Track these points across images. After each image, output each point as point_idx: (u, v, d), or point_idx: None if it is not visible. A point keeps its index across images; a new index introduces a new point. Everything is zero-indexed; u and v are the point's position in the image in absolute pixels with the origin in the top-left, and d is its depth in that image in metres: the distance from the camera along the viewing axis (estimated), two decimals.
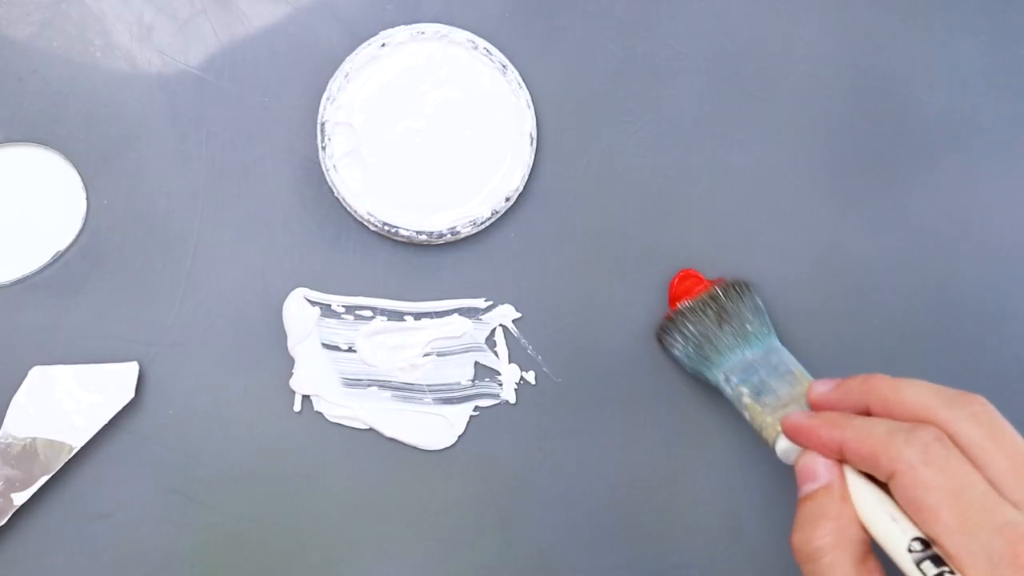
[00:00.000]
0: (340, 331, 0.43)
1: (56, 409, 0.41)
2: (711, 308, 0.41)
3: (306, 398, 0.43)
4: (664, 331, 0.43)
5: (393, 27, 0.43)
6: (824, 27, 0.46)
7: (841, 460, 0.34)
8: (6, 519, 0.40)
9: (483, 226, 0.43)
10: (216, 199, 0.43)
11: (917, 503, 0.30)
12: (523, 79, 0.44)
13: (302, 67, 0.43)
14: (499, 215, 0.43)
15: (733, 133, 0.45)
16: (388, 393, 0.43)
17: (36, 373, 0.41)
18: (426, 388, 0.43)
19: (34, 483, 0.40)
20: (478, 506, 0.43)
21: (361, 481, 0.43)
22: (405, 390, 0.43)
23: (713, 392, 0.44)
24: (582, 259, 0.44)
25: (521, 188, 0.43)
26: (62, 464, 0.40)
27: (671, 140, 0.45)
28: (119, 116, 0.43)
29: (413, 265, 0.43)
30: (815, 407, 0.37)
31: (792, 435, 0.36)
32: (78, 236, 0.42)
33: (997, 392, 0.45)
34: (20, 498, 0.40)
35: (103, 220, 0.42)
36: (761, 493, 0.43)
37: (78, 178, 0.42)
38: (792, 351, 0.43)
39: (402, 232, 0.42)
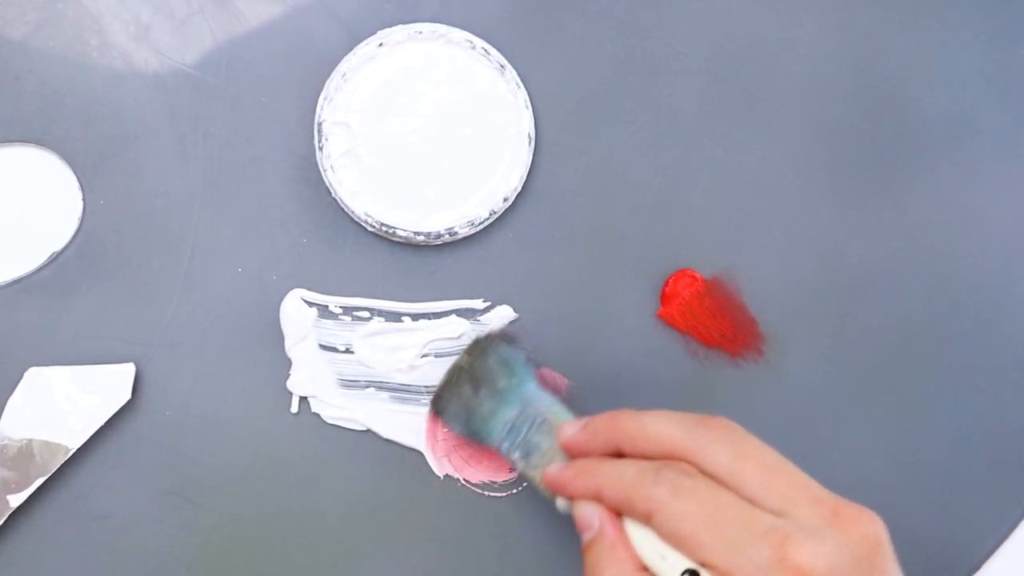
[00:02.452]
0: (337, 332, 0.43)
1: (52, 410, 0.40)
2: (463, 377, 0.40)
3: (303, 399, 0.43)
4: (437, 414, 0.41)
5: (391, 27, 0.43)
6: (824, 27, 0.45)
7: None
8: (2, 521, 0.40)
9: (481, 227, 0.43)
10: (213, 199, 0.43)
11: (677, 535, 0.31)
12: (521, 79, 0.43)
13: (299, 67, 0.43)
14: (497, 215, 0.43)
15: (732, 133, 0.45)
16: (386, 394, 0.43)
17: (32, 374, 0.41)
18: (424, 389, 0.43)
19: (30, 485, 0.40)
20: (476, 507, 0.43)
21: (358, 482, 0.42)
22: (403, 391, 0.43)
23: (712, 392, 0.44)
24: (580, 260, 0.44)
25: (519, 188, 0.43)
26: (58, 465, 0.40)
27: (670, 140, 0.45)
28: (116, 116, 0.42)
29: (411, 266, 0.43)
30: (567, 451, 0.37)
31: (552, 489, 0.36)
32: (74, 236, 0.42)
33: (997, 392, 0.45)
34: (16, 500, 0.40)
35: (100, 220, 0.42)
36: None
37: (74, 178, 0.42)
38: (792, 351, 0.43)
39: (400, 233, 0.42)
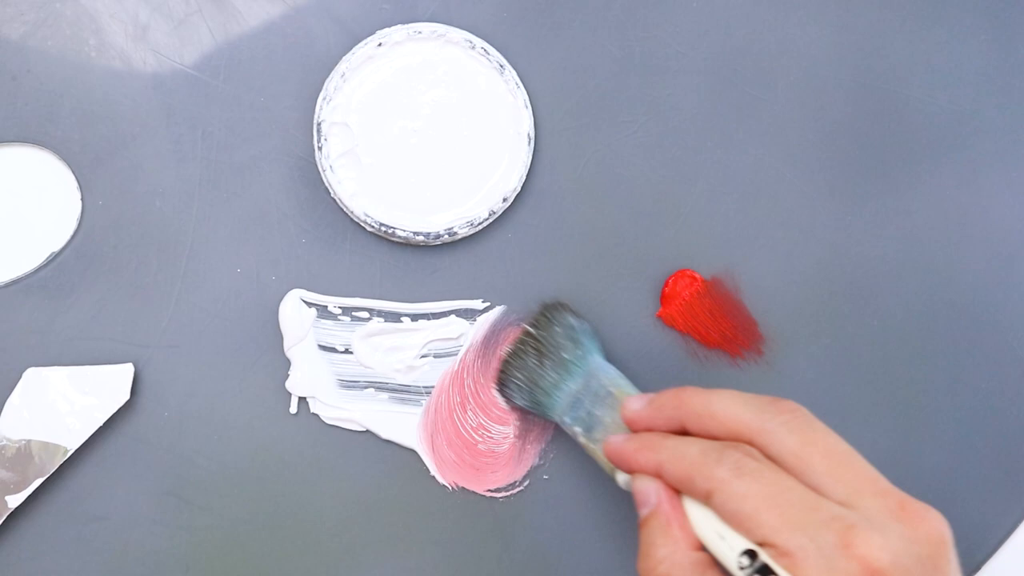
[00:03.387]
0: (336, 332, 0.43)
1: (50, 411, 0.40)
2: (530, 347, 0.40)
3: (302, 400, 0.42)
4: (501, 386, 0.41)
5: (390, 26, 0.43)
6: (824, 27, 0.45)
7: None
8: (0, 522, 0.40)
9: (480, 227, 0.43)
10: (211, 200, 0.43)
11: (737, 515, 0.30)
12: (521, 79, 0.43)
13: (298, 67, 0.43)
14: (496, 216, 0.43)
15: (732, 133, 0.45)
16: (385, 395, 0.43)
17: (30, 375, 0.41)
18: (423, 390, 0.43)
19: (28, 485, 0.40)
20: (475, 507, 0.43)
21: (357, 483, 0.42)
22: (402, 392, 0.43)
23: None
24: (580, 260, 0.44)
25: (519, 189, 0.43)
26: (57, 466, 0.40)
27: (670, 140, 0.45)
28: (114, 116, 0.42)
29: (410, 266, 0.43)
30: (631, 426, 0.36)
31: (613, 460, 0.36)
32: (73, 237, 0.42)
33: (997, 392, 0.45)
34: (14, 501, 0.40)
35: (98, 221, 0.42)
36: None
37: (73, 178, 0.42)
38: (791, 351, 0.43)
39: (399, 233, 0.42)
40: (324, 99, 0.42)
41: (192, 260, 0.42)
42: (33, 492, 0.40)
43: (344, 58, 0.42)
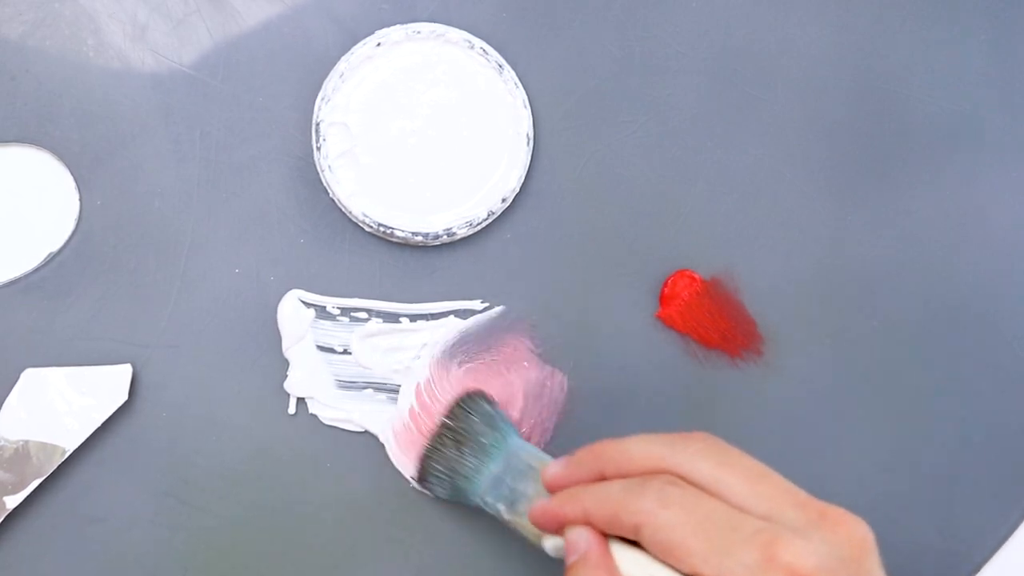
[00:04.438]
0: (335, 333, 0.42)
1: (49, 412, 0.40)
2: (447, 437, 0.40)
3: (301, 400, 0.42)
4: (421, 481, 0.41)
5: (389, 26, 0.43)
6: (824, 27, 0.45)
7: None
8: None
9: (479, 227, 0.43)
10: (210, 200, 0.43)
11: (666, 545, 0.30)
12: (520, 79, 0.43)
13: (297, 67, 0.43)
14: (495, 216, 0.43)
15: (732, 133, 0.45)
16: (383, 395, 0.43)
17: (28, 375, 0.41)
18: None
19: (26, 486, 0.40)
20: (474, 508, 0.43)
21: (356, 484, 0.42)
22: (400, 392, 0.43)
23: (712, 392, 0.44)
24: (579, 260, 0.44)
25: (517, 189, 0.43)
26: (55, 467, 0.40)
27: (669, 140, 0.44)
28: (113, 116, 0.42)
29: (409, 267, 0.43)
30: (552, 489, 0.36)
31: (541, 523, 0.36)
32: (71, 237, 0.42)
33: (997, 392, 0.45)
34: (12, 501, 0.40)
35: (96, 221, 0.42)
36: None
37: (71, 179, 0.42)
38: (791, 352, 0.43)
39: (397, 233, 0.42)
40: (323, 99, 0.42)
41: (191, 260, 0.42)
42: (31, 493, 0.40)
43: (343, 58, 0.42)
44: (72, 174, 0.42)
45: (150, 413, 0.42)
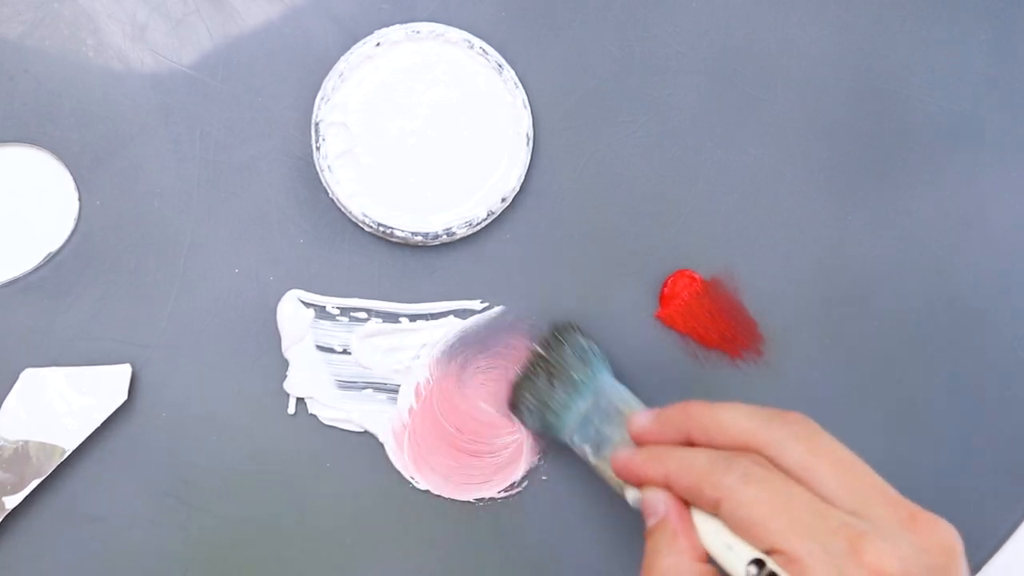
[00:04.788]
0: (335, 333, 0.42)
1: (48, 412, 0.40)
2: (540, 368, 0.40)
3: (300, 401, 0.42)
4: (514, 411, 0.41)
5: (388, 26, 0.43)
6: (824, 27, 0.45)
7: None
8: None
9: (479, 227, 0.43)
10: (210, 200, 0.43)
11: (746, 522, 0.30)
12: (519, 79, 0.43)
13: (296, 67, 0.43)
14: (495, 216, 0.43)
15: (732, 133, 0.45)
16: (383, 395, 0.43)
17: (28, 375, 0.41)
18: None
19: (26, 486, 0.40)
20: (474, 508, 0.43)
21: (355, 484, 0.42)
22: (400, 393, 0.43)
23: (711, 393, 0.44)
24: (579, 260, 0.44)
25: (517, 189, 0.43)
26: (54, 467, 0.40)
27: (669, 140, 0.44)
28: (112, 116, 0.42)
29: (408, 266, 0.43)
30: (637, 441, 0.36)
31: (621, 474, 0.36)
32: (70, 237, 0.42)
33: (997, 392, 0.45)
34: (12, 501, 0.40)
35: (96, 221, 0.42)
36: None
37: (70, 179, 0.42)
38: (791, 352, 0.43)
39: (397, 233, 0.42)
40: (322, 99, 0.42)
41: (190, 260, 0.42)
42: (30, 493, 0.40)
43: (342, 58, 0.42)
44: (71, 174, 0.42)
45: (150, 413, 0.42)
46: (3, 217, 0.42)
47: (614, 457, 0.36)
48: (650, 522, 0.33)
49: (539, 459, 0.43)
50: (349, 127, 0.42)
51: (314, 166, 0.43)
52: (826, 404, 0.44)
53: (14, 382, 0.41)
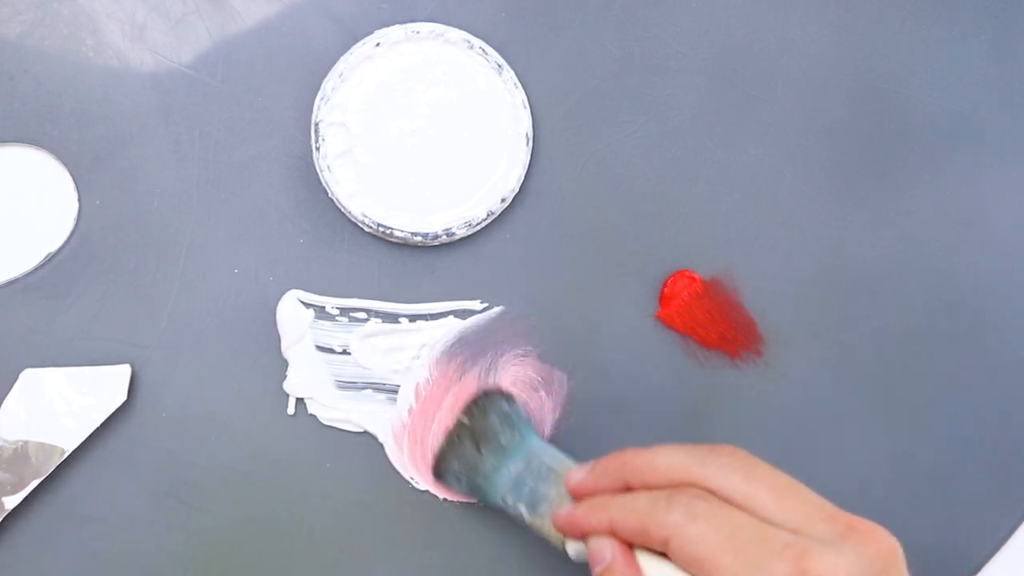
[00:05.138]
0: (334, 333, 0.42)
1: (48, 412, 0.40)
2: (464, 436, 0.40)
3: (300, 401, 0.42)
4: (438, 478, 0.41)
5: (388, 26, 0.43)
6: (824, 27, 0.45)
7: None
8: None
9: (478, 227, 0.43)
10: (210, 200, 0.43)
11: (696, 559, 0.30)
12: (519, 79, 0.43)
13: (296, 67, 0.43)
14: (495, 216, 0.43)
15: (732, 133, 0.45)
16: (383, 396, 0.43)
17: (28, 375, 0.41)
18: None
19: (25, 487, 0.40)
20: (473, 510, 0.43)
21: (355, 484, 0.42)
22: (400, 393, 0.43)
23: (710, 393, 0.44)
24: (578, 260, 0.44)
25: (517, 189, 0.43)
26: (54, 467, 0.40)
27: (669, 140, 0.44)
28: (112, 116, 0.42)
29: (408, 267, 0.43)
30: (575, 495, 0.36)
31: (565, 531, 0.36)
32: (70, 237, 0.42)
33: (997, 392, 0.45)
34: (11, 502, 0.40)
35: (95, 221, 0.42)
36: None
37: (70, 179, 0.42)
38: (790, 352, 0.43)
39: (397, 233, 0.42)
40: (322, 99, 0.42)
41: (190, 260, 0.42)
42: (30, 493, 0.40)
43: (342, 58, 0.42)
44: (71, 174, 0.42)
45: (149, 413, 0.42)
46: (3, 217, 0.42)
47: (556, 515, 0.36)
48: (597, 570, 0.34)
49: None
50: (349, 127, 0.42)
51: (314, 166, 0.42)
52: (826, 404, 0.44)
53: (14, 382, 0.40)
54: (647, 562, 0.33)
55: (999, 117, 0.46)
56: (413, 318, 0.43)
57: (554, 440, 0.43)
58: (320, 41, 0.43)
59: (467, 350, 0.43)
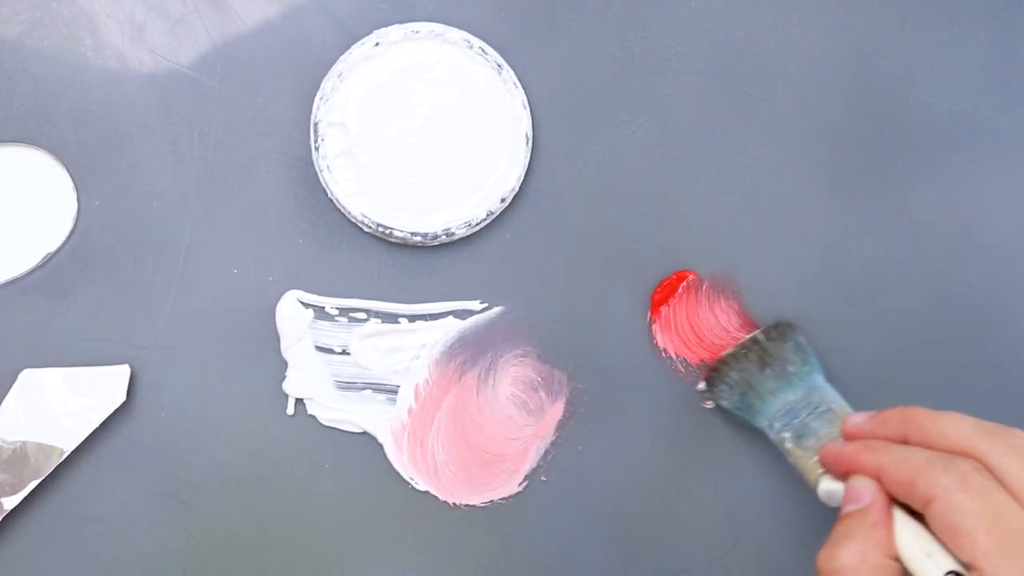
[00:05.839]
0: (334, 333, 0.42)
1: (46, 412, 0.40)
2: (753, 352, 0.41)
3: (299, 401, 0.42)
4: (710, 381, 0.42)
5: (387, 26, 0.43)
6: (823, 27, 0.45)
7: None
8: None
9: (478, 227, 0.43)
10: (209, 200, 0.42)
11: (954, 528, 0.30)
12: (519, 79, 0.43)
13: (295, 67, 0.43)
14: (494, 216, 0.43)
15: (732, 133, 0.45)
16: (382, 396, 0.43)
17: (26, 376, 0.41)
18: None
19: (24, 487, 0.40)
20: (473, 510, 0.43)
21: (354, 485, 0.42)
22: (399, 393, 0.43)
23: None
24: (578, 261, 0.44)
25: (516, 189, 0.43)
26: (52, 468, 0.40)
27: (668, 141, 0.44)
28: (110, 116, 0.42)
29: (407, 267, 0.43)
30: (849, 439, 0.36)
31: (831, 462, 0.36)
32: (69, 237, 0.42)
33: (997, 393, 0.45)
34: (10, 503, 0.40)
35: (94, 221, 0.42)
36: (759, 498, 0.43)
37: (69, 179, 0.42)
38: None
39: (396, 233, 0.42)
40: (321, 99, 0.42)
41: (189, 261, 0.42)
42: (29, 494, 0.40)
43: (341, 58, 0.42)
44: (70, 174, 0.42)
45: (148, 414, 0.42)
46: (1, 217, 0.42)
47: (825, 447, 0.36)
48: (849, 508, 0.33)
49: (539, 461, 0.43)
50: (348, 127, 0.42)
51: (313, 166, 0.42)
52: None
53: (12, 383, 0.40)
54: (901, 519, 0.32)
55: (999, 117, 0.45)
56: (413, 318, 0.43)
57: (555, 442, 0.43)
58: (319, 41, 0.43)
59: (467, 350, 0.43)
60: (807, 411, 0.39)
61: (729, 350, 0.42)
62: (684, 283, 0.43)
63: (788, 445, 0.39)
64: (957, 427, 0.33)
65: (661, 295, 0.43)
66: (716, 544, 0.43)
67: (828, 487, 0.36)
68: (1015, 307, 0.45)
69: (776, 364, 0.41)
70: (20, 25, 0.42)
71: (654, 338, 0.43)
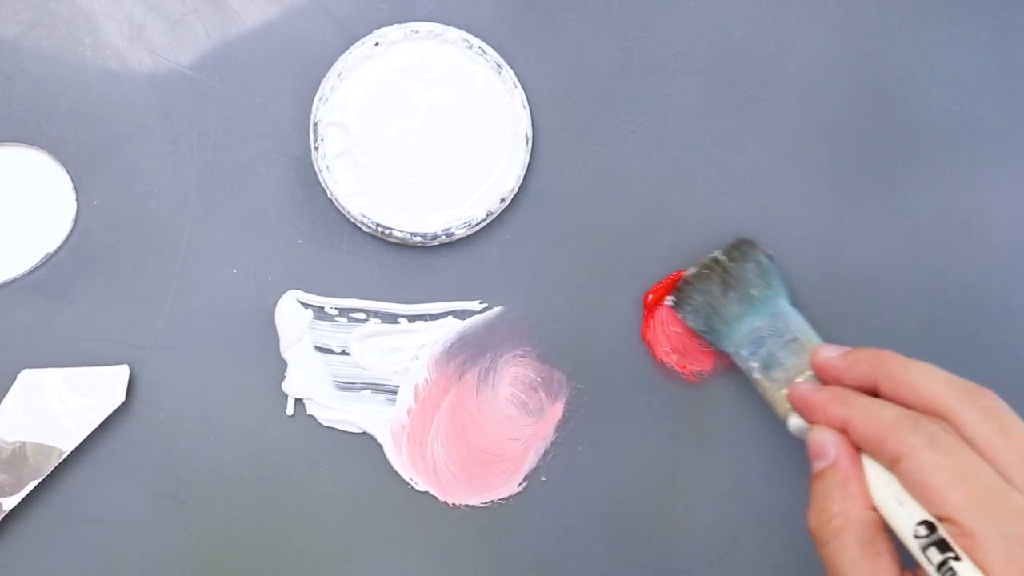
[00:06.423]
0: (333, 334, 0.42)
1: (45, 413, 0.40)
2: (715, 274, 0.40)
3: (299, 401, 0.42)
4: (676, 302, 0.42)
5: (387, 26, 0.43)
6: (823, 26, 0.45)
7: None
8: None
9: (478, 227, 0.43)
10: (208, 200, 0.42)
11: (923, 485, 0.30)
12: (518, 79, 0.43)
13: (294, 66, 0.43)
14: (494, 216, 0.43)
15: (731, 133, 0.45)
16: (382, 396, 0.43)
17: (25, 376, 0.41)
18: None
19: (23, 488, 0.40)
20: (473, 510, 0.43)
21: (354, 485, 0.42)
22: (399, 393, 0.43)
23: (711, 395, 0.44)
24: (578, 260, 0.44)
25: (516, 189, 0.43)
26: (51, 468, 0.40)
27: (668, 141, 0.44)
28: (109, 116, 0.42)
29: (407, 267, 0.43)
30: (819, 373, 0.36)
31: (799, 407, 0.36)
32: (68, 237, 0.42)
33: (997, 392, 0.45)
34: (9, 503, 0.40)
35: (93, 221, 0.42)
36: (759, 497, 0.43)
37: (68, 179, 0.42)
38: None
39: (396, 233, 0.42)
40: (321, 99, 0.42)
41: (188, 261, 0.42)
42: (28, 494, 0.40)
43: (341, 58, 0.42)
44: (69, 174, 0.42)
45: (147, 414, 0.42)
46: (1, 217, 0.42)
47: (793, 387, 0.36)
48: (818, 464, 0.34)
49: (539, 461, 0.43)
50: (348, 127, 0.42)
51: (312, 166, 0.42)
52: None
53: (12, 383, 0.40)
54: (873, 469, 0.32)
55: (999, 117, 0.45)
56: (412, 318, 0.43)
57: (554, 443, 0.43)
58: (319, 41, 0.43)
59: (467, 350, 0.43)
60: (773, 339, 0.39)
61: (691, 270, 0.41)
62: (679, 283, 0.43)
63: (756, 376, 0.39)
64: (928, 382, 0.33)
65: (656, 296, 0.43)
66: (716, 544, 0.43)
67: (798, 424, 0.36)
68: (1015, 306, 0.45)
69: (739, 286, 0.40)
70: (19, 25, 0.42)
71: (649, 348, 0.43)
